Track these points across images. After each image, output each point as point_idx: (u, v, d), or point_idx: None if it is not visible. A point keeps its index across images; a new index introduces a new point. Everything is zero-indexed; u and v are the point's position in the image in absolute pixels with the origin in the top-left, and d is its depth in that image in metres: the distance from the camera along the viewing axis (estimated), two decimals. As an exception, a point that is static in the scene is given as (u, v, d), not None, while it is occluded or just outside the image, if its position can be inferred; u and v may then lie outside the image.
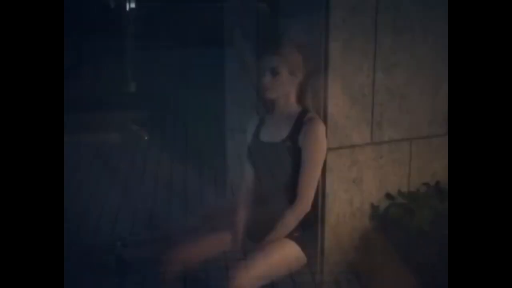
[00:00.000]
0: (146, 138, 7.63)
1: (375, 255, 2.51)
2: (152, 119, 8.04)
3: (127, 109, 10.31)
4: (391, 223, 2.52)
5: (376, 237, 2.54)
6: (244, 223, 2.40)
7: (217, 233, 2.45)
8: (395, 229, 2.49)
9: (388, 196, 2.61)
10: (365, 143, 2.51)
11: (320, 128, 2.26)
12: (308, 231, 2.35)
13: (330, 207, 2.44)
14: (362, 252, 2.54)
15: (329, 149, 2.37)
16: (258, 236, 2.29)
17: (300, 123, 2.28)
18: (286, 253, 2.23)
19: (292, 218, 2.25)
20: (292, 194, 2.26)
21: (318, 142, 2.25)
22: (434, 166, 2.69)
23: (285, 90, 2.31)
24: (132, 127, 8.83)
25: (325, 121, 2.35)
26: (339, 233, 2.49)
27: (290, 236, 2.26)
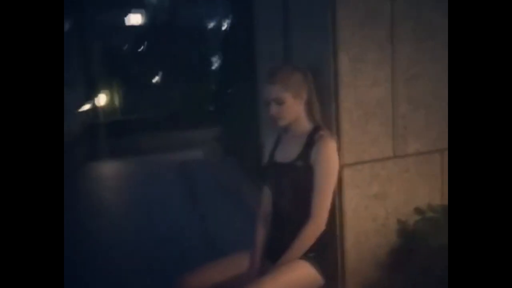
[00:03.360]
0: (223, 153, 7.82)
1: (403, 273, 2.41)
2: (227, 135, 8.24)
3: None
4: (421, 238, 2.42)
5: (405, 254, 2.44)
6: (262, 244, 2.40)
7: (236, 253, 2.47)
8: (424, 245, 2.39)
9: (417, 210, 2.50)
10: (387, 157, 2.43)
11: (330, 145, 2.22)
12: (325, 251, 2.31)
13: (349, 224, 2.38)
14: (388, 271, 2.45)
15: (345, 165, 2.33)
16: (276, 256, 2.28)
17: (311, 142, 2.26)
18: (298, 274, 2.20)
19: (306, 238, 2.22)
20: (307, 213, 2.24)
21: (329, 160, 2.22)
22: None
23: (294, 114, 2.29)
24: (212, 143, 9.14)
25: (338, 137, 2.32)
26: (361, 251, 2.42)
27: (304, 256, 2.23)
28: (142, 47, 23.90)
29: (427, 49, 2.48)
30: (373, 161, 2.41)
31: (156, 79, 21.04)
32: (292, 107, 2.26)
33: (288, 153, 2.33)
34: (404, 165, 2.48)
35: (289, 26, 2.68)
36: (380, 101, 2.40)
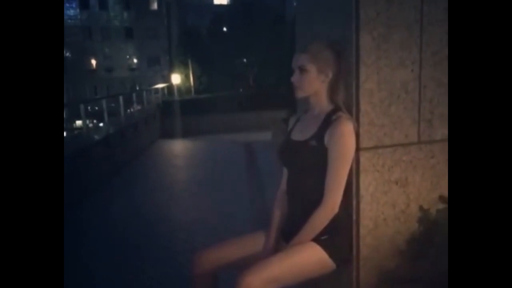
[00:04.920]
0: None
1: (420, 263, 2.33)
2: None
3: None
4: (442, 228, 2.33)
5: (424, 243, 2.36)
6: (277, 224, 2.40)
7: (252, 233, 2.47)
8: (446, 235, 2.29)
9: (442, 198, 2.40)
10: (410, 142, 2.35)
11: (347, 127, 2.17)
12: (338, 235, 2.27)
13: (365, 209, 2.31)
14: (405, 259, 2.38)
15: (363, 149, 2.27)
16: (290, 237, 2.27)
17: (327, 122, 2.22)
18: (307, 256, 2.18)
19: (318, 220, 2.20)
20: (320, 195, 2.21)
21: (344, 141, 2.17)
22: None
23: (314, 88, 2.26)
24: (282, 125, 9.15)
25: (357, 119, 2.25)
26: (377, 237, 2.35)
27: (317, 239, 2.21)
28: (223, 27, 24.15)
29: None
30: (395, 146, 2.32)
31: (233, 59, 21.22)
32: (314, 81, 2.23)
33: (304, 132, 2.30)
34: (429, 151, 2.38)
35: (310, 7, 2.62)
36: (406, 83, 2.31)
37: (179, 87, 19.18)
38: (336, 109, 2.26)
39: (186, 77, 20.88)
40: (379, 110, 2.28)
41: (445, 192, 2.42)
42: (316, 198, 2.21)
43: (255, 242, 2.41)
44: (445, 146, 2.40)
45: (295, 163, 2.32)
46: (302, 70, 2.23)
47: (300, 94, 2.28)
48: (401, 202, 2.37)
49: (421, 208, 2.39)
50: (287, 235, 2.32)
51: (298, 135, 2.34)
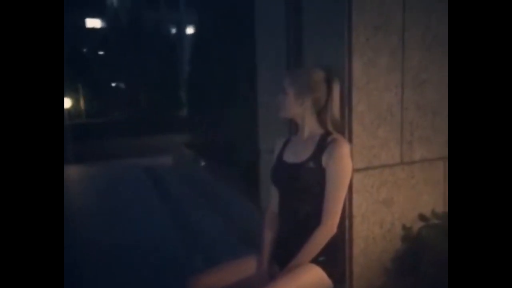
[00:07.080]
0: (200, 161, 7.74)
1: (408, 279, 2.41)
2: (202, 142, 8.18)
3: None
4: (425, 245, 2.43)
5: (409, 260, 2.44)
6: (270, 247, 2.36)
7: (244, 257, 2.42)
8: (429, 251, 2.39)
9: (422, 217, 2.51)
10: (395, 163, 2.44)
11: (344, 148, 2.19)
12: (335, 255, 2.28)
13: (358, 229, 2.37)
14: (394, 276, 2.45)
15: (356, 170, 2.31)
16: (285, 260, 2.24)
17: (323, 144, 2.23)
18: (309, 279, 2.16)
19: (318, 241, 2.19)
20: (318, 216, 2.20)
21: (343, 163, 2.19)
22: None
23: (293, 112, 2.27)
24: (184, 150, 9.03)
25: (350, 141, 2.30)
26: (368, 256, 2.41)
27: (315, 260, 2.20)
28: (106, 50, 23.58)
29: (435, 56, 2.49)
30: (383, 167, 2.40)
31: (121, 82, 20.78)
32: (292, 104, 2.25)
33: (298, 154, 2.30)
34: (410, 172, 2.49)
35: (300, 31, 2.66)
36: (391, 106, 2.40)
37: (69, 111, 18.42)
38: (328, 132, 2.28)
39: (76, 100, 20.11)
40: (369, 132, 2.35)
41: (424, 210, 2.52)
42: (311, 219, 2.21)
43: (248, 266, 2.35)
44: (423, 166, 2.52)
45: (291, 184, 2.30)
46: (284, 92, 2.25)
47: (282, 115, 2.30)
48: (388, 221, 2.44)
49: (404, 226, 2.48)
50: (281, 258, 2.29)
51: (292, 157, 2.33)
